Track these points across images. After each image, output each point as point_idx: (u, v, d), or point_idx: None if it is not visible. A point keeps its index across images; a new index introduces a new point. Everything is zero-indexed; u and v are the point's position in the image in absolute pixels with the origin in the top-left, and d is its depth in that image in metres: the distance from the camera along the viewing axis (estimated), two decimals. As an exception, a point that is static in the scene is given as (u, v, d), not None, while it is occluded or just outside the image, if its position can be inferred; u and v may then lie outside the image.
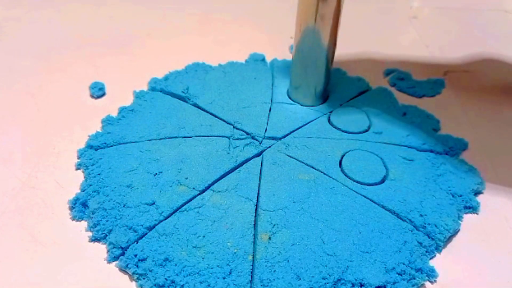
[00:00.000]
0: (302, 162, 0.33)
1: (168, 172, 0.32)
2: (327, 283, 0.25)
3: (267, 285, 0.25)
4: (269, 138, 0.35)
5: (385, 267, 0.26)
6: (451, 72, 0.45)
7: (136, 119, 0.37)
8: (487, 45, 0.50)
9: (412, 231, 0.28)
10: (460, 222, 0.30)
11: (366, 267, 0.26)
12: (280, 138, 0.35)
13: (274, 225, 0.28)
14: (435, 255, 0.28)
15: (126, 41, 0.48)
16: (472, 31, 0.53)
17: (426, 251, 0.28)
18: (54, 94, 0.40)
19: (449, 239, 0.29)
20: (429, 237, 0.28)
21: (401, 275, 0.26)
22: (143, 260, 0.27)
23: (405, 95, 0.42)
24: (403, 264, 0.27)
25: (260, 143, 0.34)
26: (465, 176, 0.33)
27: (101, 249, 0.28)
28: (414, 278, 0.26)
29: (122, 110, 0.38)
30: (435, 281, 0.26)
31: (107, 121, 0.37)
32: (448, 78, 0.44)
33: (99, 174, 0.32)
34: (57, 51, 0.46)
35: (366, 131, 0.36)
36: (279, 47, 0.48)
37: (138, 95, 0.40)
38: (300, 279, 0.26)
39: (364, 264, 0.26)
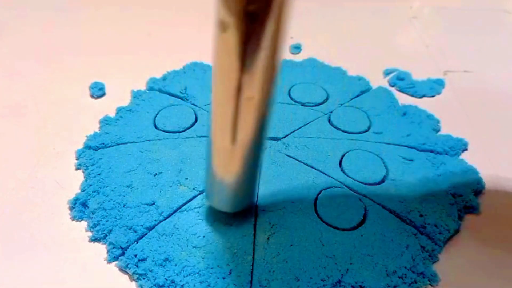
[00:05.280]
0: (302, 162, 0.33)
1: (168, 172, 0.32)
2: (326, 285, 0.25)
3: (266, 286, 0.25)
4: (269, 138, 0.35)
5: (386, 271, 0.26)
6: (451, 72, 0.45)
7: (134, 119, 0.37)
8: (487, 45, 0.50)
9: (415, 235, 0.28)
10: (460, 222, 0.30)
11: (366, 270, 0.26)
12: (281, 138, 0.35)
13: (273, 225, 0.28)
14: (438, 260, 0.28)
15: (126, 41, 0.48)
16: (472, 31, 0.53)
17: (429, 255, 0.28)
18: (54, 94, 0.40)
19: (449, 239, 0.29)
20: (429, 237, 0.28)
21: (403, 278, 0.26)
22: (143, 260, 0.27)
23: (405, 95, 0.42)
24: (405, 268, 0.27)
25: (260, 143, 0.34)
26: (465, 176, 0.32)
27: (101, 249, 0.28)
28: (416, 282, 0.26)
29: (119, 110, 0.38)
30: (436, 285, 0.26)
31: (105, 121, 0.37)
32: (448, 78, 0.44)
33: (99, 174, 0.32)
34: (57, 51, 0.46)
35: (366, 131, 0.36)
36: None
37: (136, 95, 0.40)
38: (298, 280, 0.26)
39: (364, 267, 0.26)
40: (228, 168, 0.25)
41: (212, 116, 0.23)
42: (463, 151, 0.35)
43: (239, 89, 0.20)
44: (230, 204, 0.27)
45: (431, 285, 0.26)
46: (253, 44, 0.19)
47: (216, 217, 0.29)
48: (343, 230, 0.28)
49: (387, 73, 0.44)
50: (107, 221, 0.29)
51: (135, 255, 0.27)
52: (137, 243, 0.28)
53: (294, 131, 0.36)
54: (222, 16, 0.18)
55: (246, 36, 0.18)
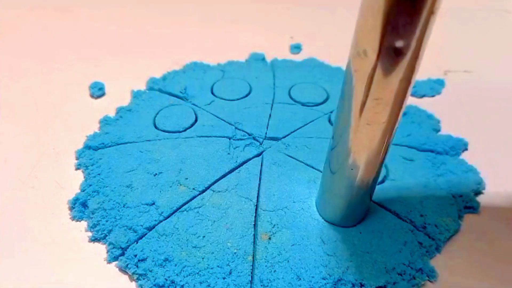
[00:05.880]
0: (302, 162, 0.33)
1: (168, 172, 0.32)
2: (327, 283, 0.25)
3: (267, 285, 0.25)
4: (270, 138, 0.35)
5: (385, 267, 0.26)
6: (451, 72, 0.45)
7: (134, 119, 0.37)
8: (487, 45, 0.50)
9: (412, 231, 0.28)
10: (460, 222, 0.30)
11: (366, 267, 0.26)
12: (281, 138, 0.35)
13: (274, 225, 0.28)
14: (435, 255, 0.28)
15: (126, 41, 0.48)
16: (472, 31, 0.53)
17: (427, 251, 0.28)
18: (54, 94, 0.40)
19: (449, 239, 0.29)
20: (429, 237, 0.28)
21: (402, 275, 0.26)
22: (143, 260, 0.27)
23: (405, 95, 0.42)
24: (404, 264, 0.27)
25: (260, 144, 0.34)
26: (465, 176, 0.33)
27: (101, 249, 0.28)
28: (415, 278, 0.26)
29: (119, 110, 0.38)
30: (435, 281, 0.26)
31: (105, 121, 0.37)
32: (448, 78, 0.44)
33: (99, 174, 0.32)
34: (57, 51, 0.46)
35: (366, 131, 0.36)
36: (279, 47, 0.48)
37: (136, 95, 0.40)
38: (300, 279, 0.26)
39: (364, 264, 0.26)
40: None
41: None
42: (463, 151, 0.35)
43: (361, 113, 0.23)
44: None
45: (430, 281, 0.26)
46: (387, 74, 0.21)
47: (216, 217, 0.29)
48: (344, 227, 0.28)
49: (387, 73, 0.44)
50: (107, 221, 0.29)
51: (135, 255, 0.27)
52: (137, 243, 0.28)
53: (294, 131, 0.36)
54: (364, 48, 0.21)
55: (383, 67, 0.21)
